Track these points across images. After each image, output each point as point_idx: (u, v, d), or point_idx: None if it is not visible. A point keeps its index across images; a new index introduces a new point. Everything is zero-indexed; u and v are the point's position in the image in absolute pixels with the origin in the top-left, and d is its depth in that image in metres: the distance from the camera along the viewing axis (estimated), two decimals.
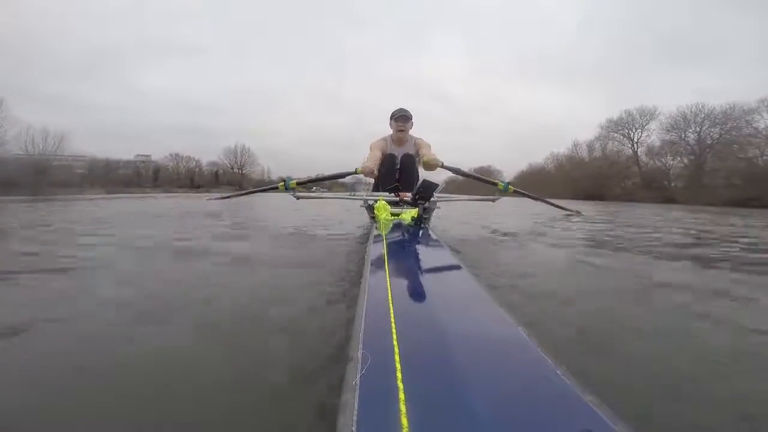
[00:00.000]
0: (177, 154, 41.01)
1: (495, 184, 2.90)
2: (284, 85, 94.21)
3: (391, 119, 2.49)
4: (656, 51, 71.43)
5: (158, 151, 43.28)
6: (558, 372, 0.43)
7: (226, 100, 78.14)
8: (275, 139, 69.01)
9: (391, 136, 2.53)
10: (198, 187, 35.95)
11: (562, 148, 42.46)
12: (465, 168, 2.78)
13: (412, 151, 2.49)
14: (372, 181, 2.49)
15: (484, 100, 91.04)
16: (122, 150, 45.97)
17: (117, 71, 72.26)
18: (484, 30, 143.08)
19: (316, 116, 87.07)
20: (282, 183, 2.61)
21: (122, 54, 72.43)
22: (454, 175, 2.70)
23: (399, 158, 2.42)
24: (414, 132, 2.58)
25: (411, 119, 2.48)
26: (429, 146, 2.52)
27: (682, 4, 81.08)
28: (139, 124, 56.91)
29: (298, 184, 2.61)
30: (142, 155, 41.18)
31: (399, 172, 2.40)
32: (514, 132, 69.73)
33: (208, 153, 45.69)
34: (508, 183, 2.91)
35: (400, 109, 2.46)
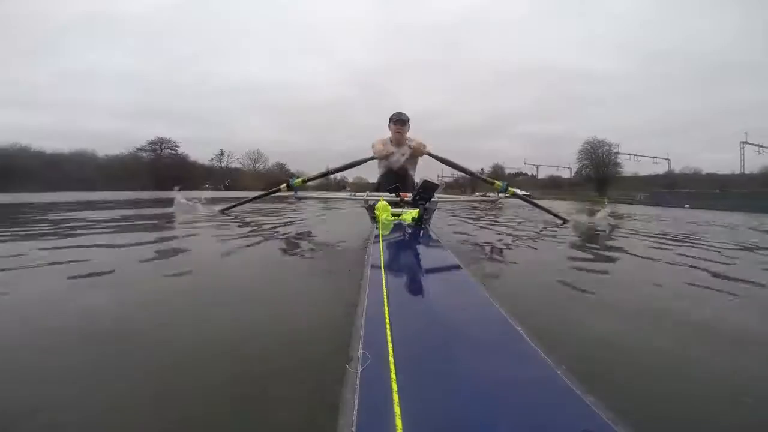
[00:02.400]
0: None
1: (492, 183, 2.85)
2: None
3: (389, 122, 2.66)
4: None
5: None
6: (558, 372, 0.43)
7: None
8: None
9: (390, 137, 2.72)
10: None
11: None
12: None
13: (409, 151, 2.70)
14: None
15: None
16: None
17: None
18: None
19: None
20: (284, 184, 2.56)
21: None
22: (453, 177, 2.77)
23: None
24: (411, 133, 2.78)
25: (408, 122, 2.66)
26: (423, 145, 2.72)
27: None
28: None
29: (303, 181, 2.61)
30: None
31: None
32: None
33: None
34: (508, 184, 2.83)
35: (398, 113, 2.63)
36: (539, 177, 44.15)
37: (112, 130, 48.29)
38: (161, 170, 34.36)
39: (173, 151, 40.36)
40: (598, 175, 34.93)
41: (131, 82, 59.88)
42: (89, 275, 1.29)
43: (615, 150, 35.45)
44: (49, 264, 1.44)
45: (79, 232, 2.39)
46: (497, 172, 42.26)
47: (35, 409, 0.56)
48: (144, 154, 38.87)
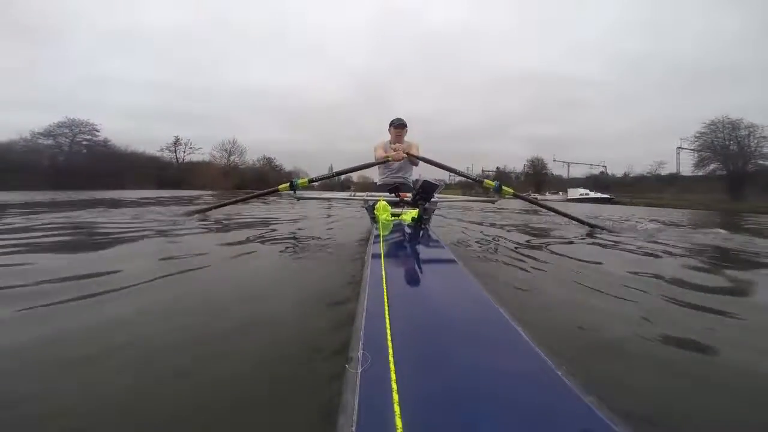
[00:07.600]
0: None
1: (480, 182, 2.80)
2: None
3: (390, 126, 2.96)
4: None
5: None
6: (558, 372, 0.44)
7: None
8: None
9: (390, 140, 3.00)
10: None
11: None
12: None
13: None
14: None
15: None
16: None
17: None
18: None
19: None
20: (287, 183, 2.53)
21: None
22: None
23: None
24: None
25: (406, 126, 2.96)
26: (417, 146, 3.02)
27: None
28: None
29: (309, 182, 2.64)
30: None
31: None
32: None
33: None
34: (501, 184, 2.67)
35: (398, 118, 2.95)
36: (572, 176, 40.41)
37: (125, 128, 45.60)
38: (69, 164, 24.13)
39: (90, 137, 28.36)
40: (734, 171, 23.38)
41: (146, 87, 59.69)
42: None
43: (760, 134, 23.10)
44: None
45: None
46: (536, 166, 39.71)
47: None
48: (46, 142, 26.61)
